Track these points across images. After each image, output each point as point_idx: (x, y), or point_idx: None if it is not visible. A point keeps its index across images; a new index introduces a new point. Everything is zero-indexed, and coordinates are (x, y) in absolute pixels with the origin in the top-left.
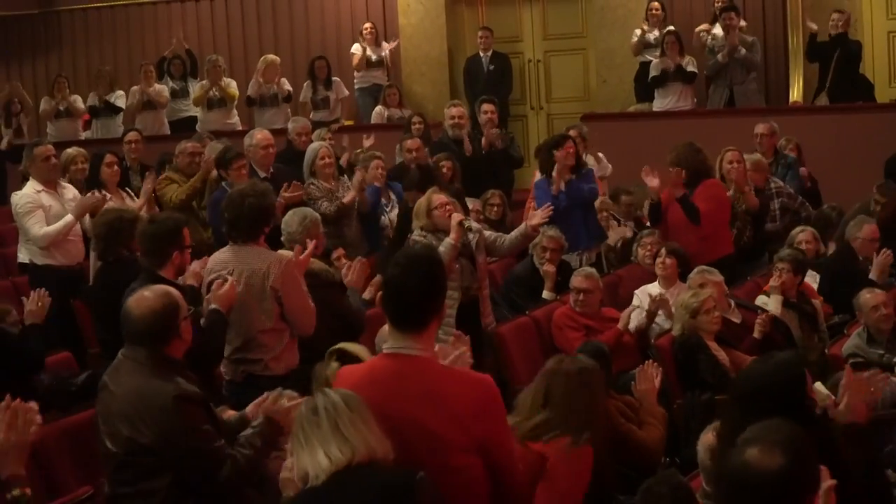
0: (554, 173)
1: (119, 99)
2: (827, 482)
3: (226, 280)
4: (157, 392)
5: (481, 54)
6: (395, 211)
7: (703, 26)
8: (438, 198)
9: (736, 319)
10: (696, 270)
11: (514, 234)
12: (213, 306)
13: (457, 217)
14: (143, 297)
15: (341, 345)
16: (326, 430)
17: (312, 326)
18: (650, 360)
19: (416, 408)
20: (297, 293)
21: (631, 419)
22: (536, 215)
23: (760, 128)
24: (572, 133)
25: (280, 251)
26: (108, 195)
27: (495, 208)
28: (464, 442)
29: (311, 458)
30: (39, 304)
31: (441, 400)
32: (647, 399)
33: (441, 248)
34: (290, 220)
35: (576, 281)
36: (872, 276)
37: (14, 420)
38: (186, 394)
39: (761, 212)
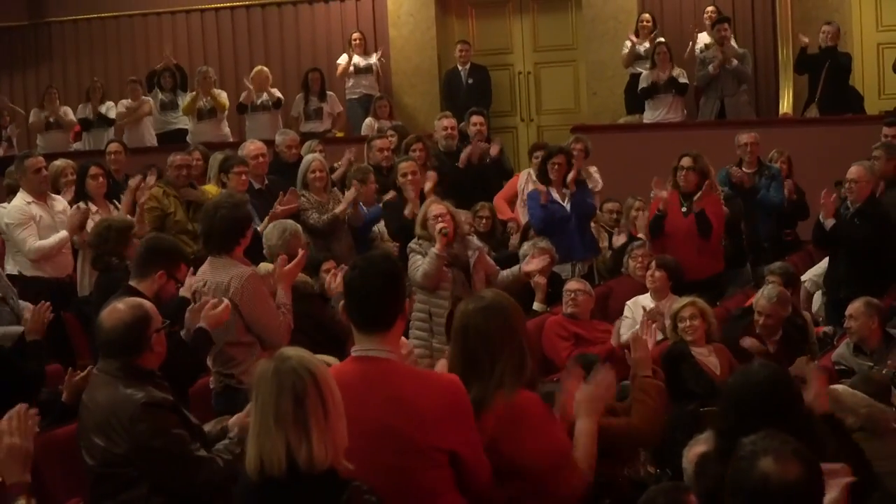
0: (552, 190)
1: (111, 111)
2: (846, 478)
3: (221, 301)
4: (127, 401)
5: (459, 67)
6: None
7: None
8: (435, 209)
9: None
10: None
11: (507, 273)
12: (200, 324)
13: (438, 226)
14: (115, 309)
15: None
16: (295, 422)
17: (282, 340)
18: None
19: (383, 411)
20: (258, 307)
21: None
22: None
23: (744, 137)
24: (577, 147)
25: (262, 264)
26: (95, 207)
27: (484, 220)
28: (430, 444)
29: (272, 446)
30: (41, 321)
31: (407, 403)
32: (640, 368)
33: (426, 259)
34: (270, 234)
35: (569, 285)
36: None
37: (21, 426)
38: (155, 400)
39: (738, 220)
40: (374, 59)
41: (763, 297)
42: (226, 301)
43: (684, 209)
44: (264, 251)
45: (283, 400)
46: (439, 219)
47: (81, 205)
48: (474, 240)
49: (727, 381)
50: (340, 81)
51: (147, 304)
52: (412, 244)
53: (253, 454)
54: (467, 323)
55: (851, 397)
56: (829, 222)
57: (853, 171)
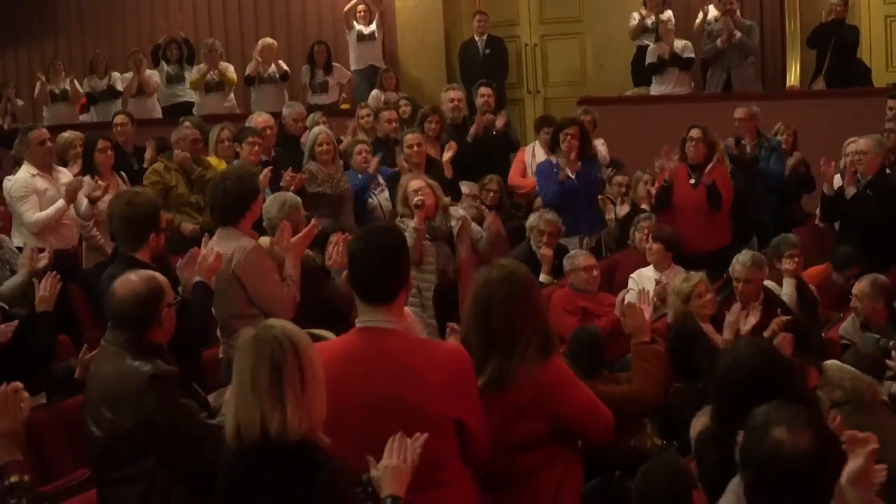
0: (561, 160)
1: (117, 82)
2: (872, 445)
3: (211, 251)
4: (133, 373)
5: (476, 38)
6: (384, 194)
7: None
8: (413, 184)
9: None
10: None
11: (485, 235)
12: (196, 279)
13: (414, 200)
14: (129, 281)
15: (311, 330)
16: (271, 390)
17: (285, 313)
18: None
19: (393, 383)
20: (260, 280)
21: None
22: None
23: (740, 112)
24: (585, 119)
25: (262, 238)
26: (104, 184)
27: (491, 194)
28: (438, 412)
29: (248, 413)
30: (51, 291)
31: (414, 372)
32: (637, 335)
33: (406, 234)
34: (270, 206)
35: (580, 261)
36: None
37: (9, 407)
38: (162, 372)
39: (742, 194)
40: (374, 26)
41: (737, 262)
42: (216, 249)
43: (693, 181)
44: (264, 223)
45: (261, 367)
46: (417, 193)
47: (88, 178)
48: (458, 210)
49: (718, 366)
50: (346, 54)
51: (161, 277)
52: (396, 222)
53: (231, 421)
54: (491, 294)
55: (837, 371)
56: (850, 191)
57: (862, 143)
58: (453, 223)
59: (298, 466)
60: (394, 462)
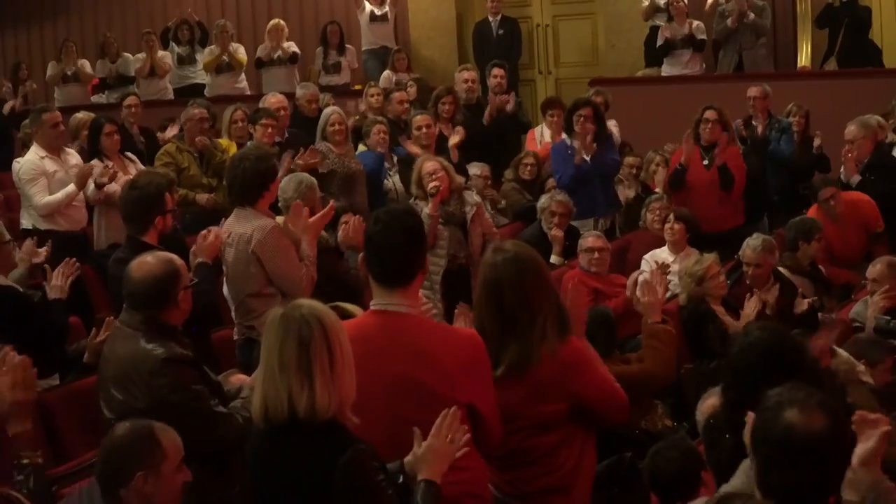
0: (577, 143)
1: (130, 65)
2: (884, 427)
3: (209, 231)
4: (147, 355)
5: (490, 19)
6: (398, 175)
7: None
8: (428, 166)
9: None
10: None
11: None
12: (199, 259)
13: (429, 186)
14: (145, 262)
15: (337, 303)
16: (298, 368)
17: (303, 292)
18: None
19: (407, 365)
20: (279, 259)
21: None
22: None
23: (753, 91)
24: (598, 99)
25: (279, 217)
26: (111, 163)
27: (528, 167)
28: (452, 396)
29: (275, 392)
30: (64, 279)
31: (431, 357)
32: (650, 313)
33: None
34: (286, 186)
35: (588, 242)
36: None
37: (19, 377)
38: (176, 356)
39: (757, 174)
40: (386, 6)
41: (748, 247)
42: (214, 229)
43: (706, 162)
44: (279, 204)
45: (288, 345)
46: (432, 176)
47: (96, 162)
48: (473, 195)
49: (730, 350)
50: (357, 34)
51: (178, 259)
52: (409, 203)
53: (258, 400)
54: (499, 277)
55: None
56: (855, 179)
57: (848, 132)
58: (467, 209)
59: (324, 447)
60: (438, 441)
